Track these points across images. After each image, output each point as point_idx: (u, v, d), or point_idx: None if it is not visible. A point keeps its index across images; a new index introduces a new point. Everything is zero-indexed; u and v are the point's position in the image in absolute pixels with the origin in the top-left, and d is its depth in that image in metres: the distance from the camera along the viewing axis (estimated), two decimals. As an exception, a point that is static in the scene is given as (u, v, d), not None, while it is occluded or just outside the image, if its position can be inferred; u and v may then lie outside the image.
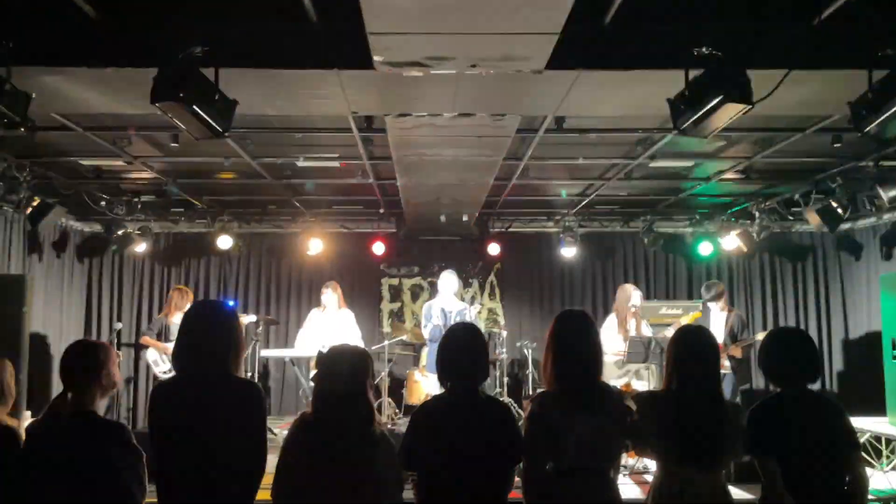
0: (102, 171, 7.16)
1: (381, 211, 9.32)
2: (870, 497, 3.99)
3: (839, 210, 7.19)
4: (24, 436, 2.84)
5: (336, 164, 6.80)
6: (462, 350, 3.01)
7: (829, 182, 7.22)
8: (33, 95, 3.96)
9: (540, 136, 5.67)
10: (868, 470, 3.06)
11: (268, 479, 2.75)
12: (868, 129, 3.98)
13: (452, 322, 6.98)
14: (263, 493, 2.76)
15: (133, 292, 9.86)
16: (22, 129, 4.09)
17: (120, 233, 8.60)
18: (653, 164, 6.83)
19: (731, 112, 3.71)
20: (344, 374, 2.80)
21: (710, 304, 7.36)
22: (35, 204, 7.08)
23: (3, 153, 6.17)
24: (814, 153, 6.49)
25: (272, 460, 2.74)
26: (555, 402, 2.92)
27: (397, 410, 8.50)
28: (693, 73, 3.78)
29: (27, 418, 5.74)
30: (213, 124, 3.74)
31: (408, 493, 2.95)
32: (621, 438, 2.96)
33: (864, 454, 3.37)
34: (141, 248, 8.99)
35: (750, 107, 3.66)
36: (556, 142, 5.99)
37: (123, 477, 2.70)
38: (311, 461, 2.74)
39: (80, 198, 7.70)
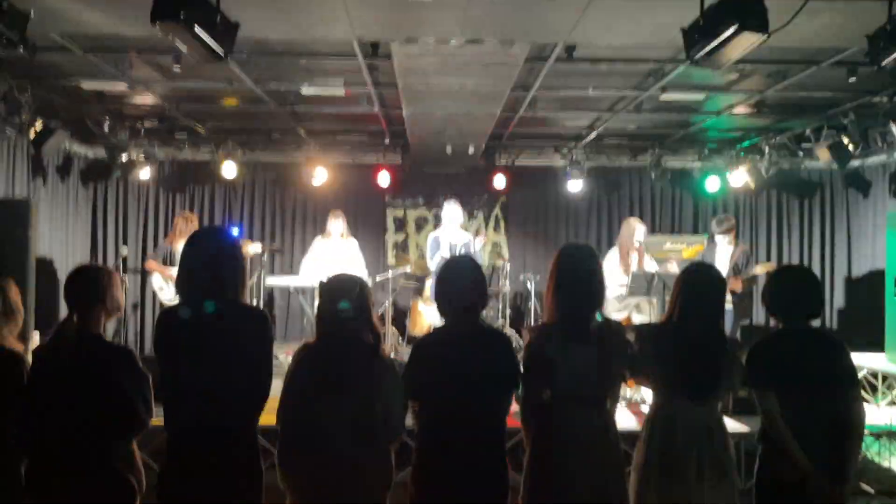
0: (104, 95, 7.07)
1: (387, 141, 9.22)
2: (865, 431, 4.07)
3: (850, 146, 7.10)
4: (30, 359, 2.89)
5: (341, 91, 6.70)
6: (460, 281, 3.02)
7: (842, 117, 7.11)
8: (32, 14, 3.87)
9: (549, 66, 5.56)
10: (864, 405, 3.10)
11: (272, 402, 2.81)
12: (885, 62, 3.88)
13: (458, 254, 7.01)
14: (269, 417, 2.82)
15: (138, 218, 9.89)
16: (21, 50, 4.02)
17: (124, 158, 8.55)
18: (663, 97, 6.71)
19: (746, 42, 3.61)
20: (348, 301, 2.82)
21: (718, 238, 7.35)
22: (38, 128, 7.02)
23: (4, 74, 6.08)
24: (828, 87, 6.36)
25: (276, 385, 2.79)
26: (554, 333, 2.95)
27: (400, 340, 8.62)
28: (709, 1, 3.67)
29: (36, 340, 5.84)
30: (215, 47, 3.67)
31: (409, 422, 3.01)
32: (619, 370, 2.99)
33: (861, 390, 3.43)
34: (145, 174, 8.96)
35: (766, 37, 3.56)
36: (565, 72, 5.87)
37: (130, 400, 2.75)
38: (317, 386, 2.78)
39: (83, 122, 7.64)
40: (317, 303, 3.14)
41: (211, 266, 2.74)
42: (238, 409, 2.69)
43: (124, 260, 8.16)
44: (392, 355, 7.11)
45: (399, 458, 2.97)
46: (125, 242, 9.43)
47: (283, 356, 7.38)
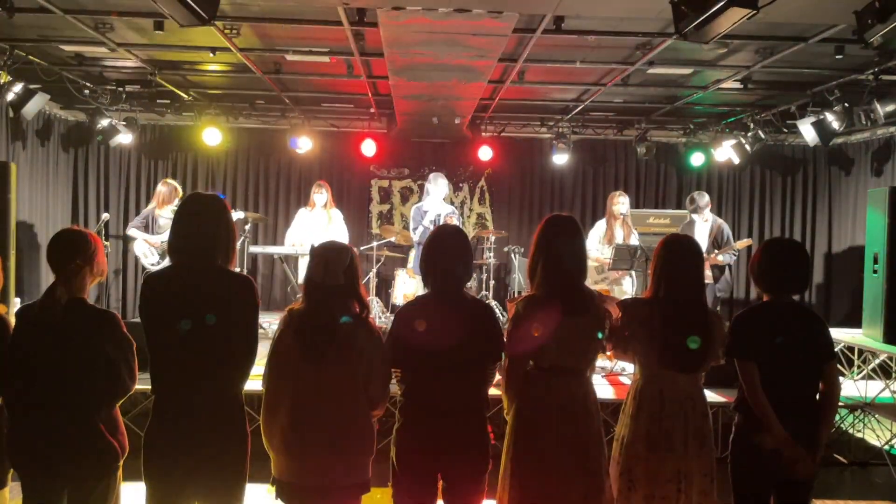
0: (85, 58, 6.94)
1: (372, 110, 9.16)
2: (840, 404, 4.15)
3: (834, 124, 7.13)
4: (13, 320, 2.86)
5: (326, 59, 6.62)
6: (447, 251, 3.02)
7: (827, 95, 7.13)
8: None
9: (537, 37, 5.52)
10: (839, 378, 3.15)
11: (257, 368, 2.81)
12: (872, 39, 3.90)
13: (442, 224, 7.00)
14: (255, 382, 2.83)
15: (119, 184, 9.79)
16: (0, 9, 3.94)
17: (105, 123, 8.43)
18: (651, 71, 6.70)
19: (735, 16, 3.60)
20: (337, 268, 2.82)
21: (695, 216, 7.41)
22: (17, 89, 6.89)
23: (-18, 35, 5.96)
24: (814, 64, 6.38)
25: (261, 351, 2.79)
26: (538, 305, 2.96)
27: (384, 309, 8.64)
28: (698, -26, 3.66)
29: (17, 306, 5.79)
30: (198, 10, 3.61)
31: (393, 388, 3.02)
32: (601, 340, 3.02)
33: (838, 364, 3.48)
34: (127, 139, 8.84)
35: (755, 12, 3.55)
36: (553, 43, 5.84)
37: (114, 364, 2.74)
38: (303, 352, 2.78)
39: (63, 85, 7.50)
40: (301, 271, 3.13)
41: (202, 231, 2.73)
42: (224, 374, 2.70)
43: (106, 225, 8.08)
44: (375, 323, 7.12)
45: (384, 426, 2.99)
46: (107, 209, 9.35)
47: (267, 324, 7.39)
